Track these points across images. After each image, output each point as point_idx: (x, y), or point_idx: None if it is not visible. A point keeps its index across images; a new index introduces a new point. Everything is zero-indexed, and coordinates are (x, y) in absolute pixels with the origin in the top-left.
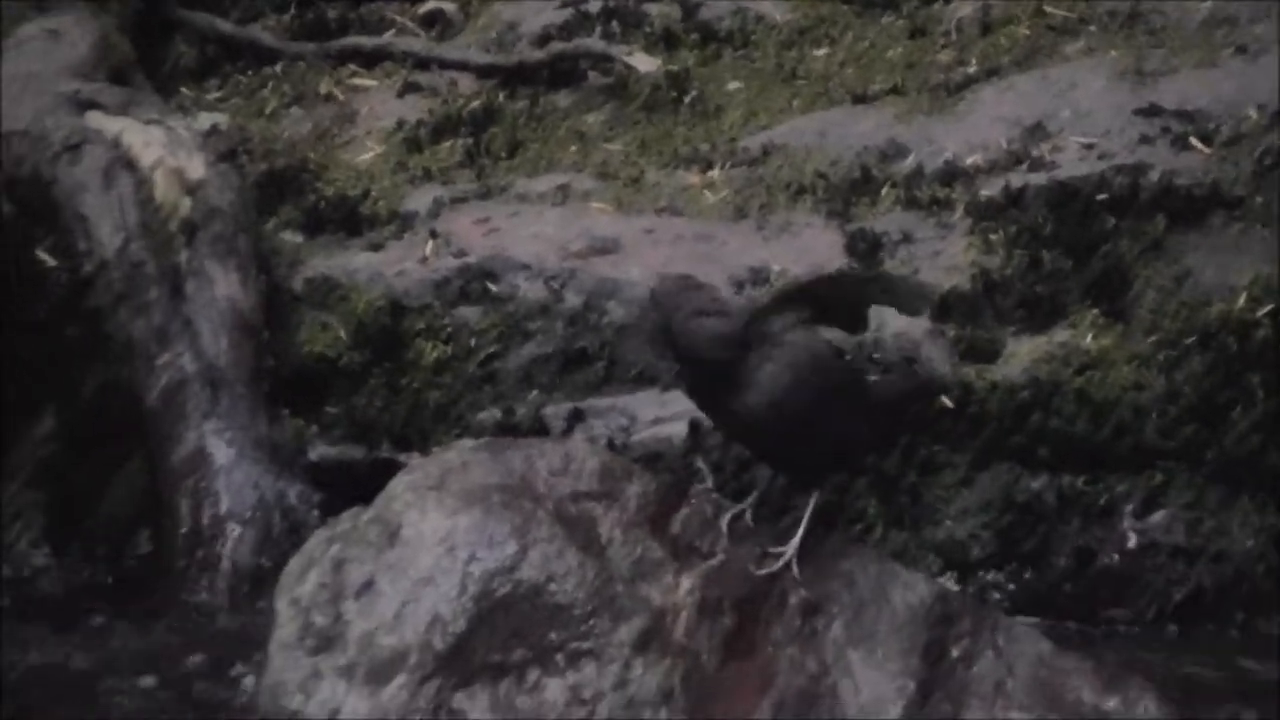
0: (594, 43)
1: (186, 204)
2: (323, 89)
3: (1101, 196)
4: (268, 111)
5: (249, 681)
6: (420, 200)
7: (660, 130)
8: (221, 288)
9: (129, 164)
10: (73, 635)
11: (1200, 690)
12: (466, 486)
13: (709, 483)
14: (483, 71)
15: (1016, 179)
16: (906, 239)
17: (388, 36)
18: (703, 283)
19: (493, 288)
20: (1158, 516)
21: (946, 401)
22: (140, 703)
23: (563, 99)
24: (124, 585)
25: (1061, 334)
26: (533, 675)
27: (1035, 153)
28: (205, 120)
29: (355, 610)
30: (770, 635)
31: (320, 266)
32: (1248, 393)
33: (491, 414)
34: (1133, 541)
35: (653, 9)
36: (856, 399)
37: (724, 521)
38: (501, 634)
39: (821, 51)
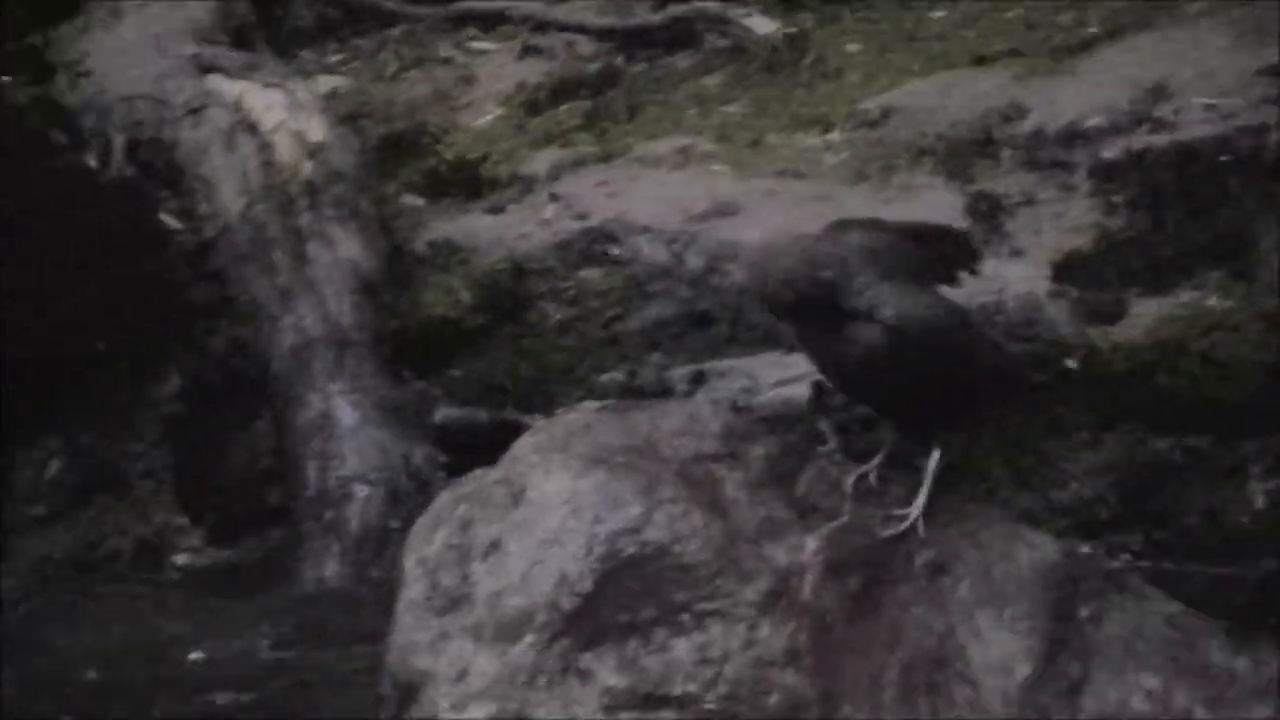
0: (712, 5)
1: (308, 167)
2: (442, 52)
3: (1224, 157)
4: (387, 75)
5: None
6: (540, 163)
7: (779, 92)
8: (344, 250)
9: (250, 127)
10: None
11: None
12: (591, 448)
13: (833, 444)
14: (601, 34)
15: (1139, 140)
16: (1028, 201)
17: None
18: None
19: (614, 250)
20: None
21: (1071, 363)
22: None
23: (681, 61)
24: (252, 546)
25: (1186, 295)
26: (660, 635)
27: (1157, 113)
28: (325, 83)
29: (483, 570)
30: (897, 595)
31: (442, 229)
32: None
33: (614, 376)
34: (1260, 501)
35: None
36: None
37: (849, 482)
38: (628, 594)
39: (941, 13)
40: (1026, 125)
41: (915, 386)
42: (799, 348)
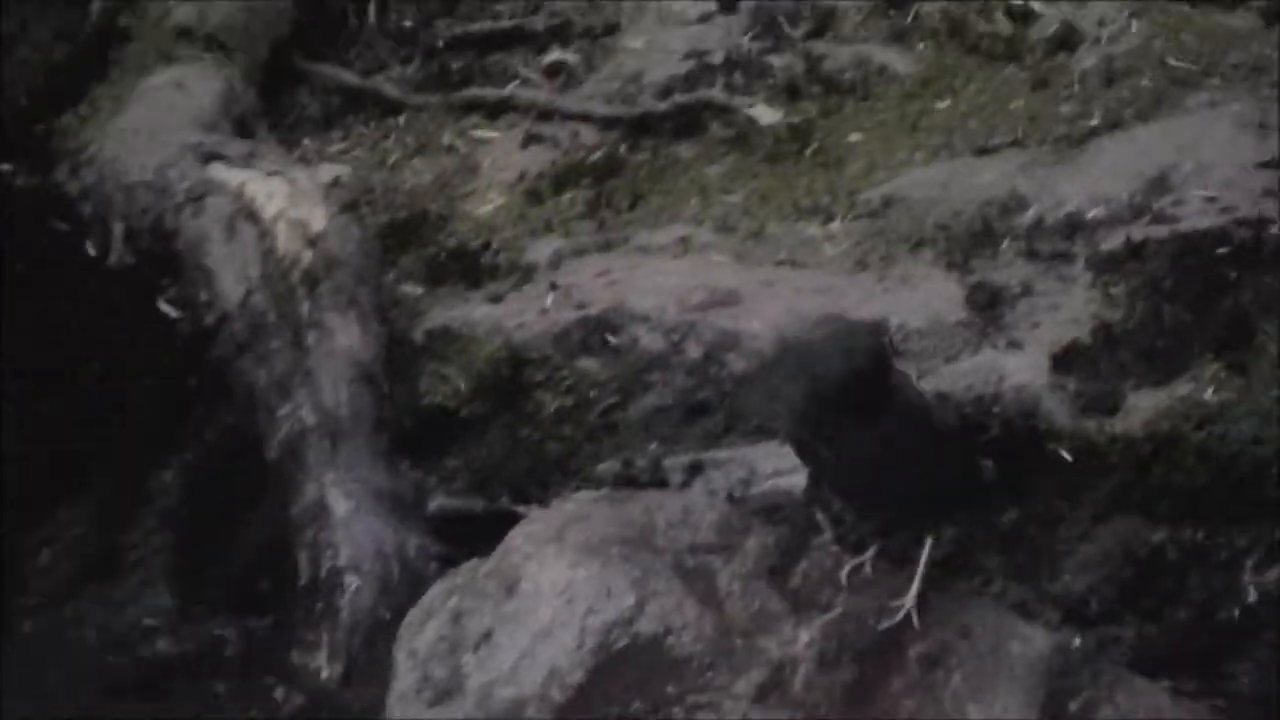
0: (717, 94)
1: (308, 255)
2: (445, 140)
3: (1223, 250)
4: (390, 163)
5: None
6: (541, 251)
7: (781, 182)
8: (342, 339)
9: (251, 215)
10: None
11: None
12: (585, 538)
13: (828, 535)
14: (605, 123)
15: (1138, 232)
16: (1026, 291)
17: (511, 88)
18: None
19: (612, 339)
20: (1278, 570)
21: (1065, 455)
22: None
23: (685, 150)
24: (247, 639)
25: (1183, 387)
26: None
27: (1157, 205)
28: (327, 172)
29: (474, 662)
30: (890, 687)
31: (441, 317)
32: None
33: (611, 466)
34: (1253, 596)
35: (776, 60)
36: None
37: (843, 574)
38: (619, 686)
39: (944, 103)
40: (1027, 216)
41: (925, 476)
42: (801, 443)
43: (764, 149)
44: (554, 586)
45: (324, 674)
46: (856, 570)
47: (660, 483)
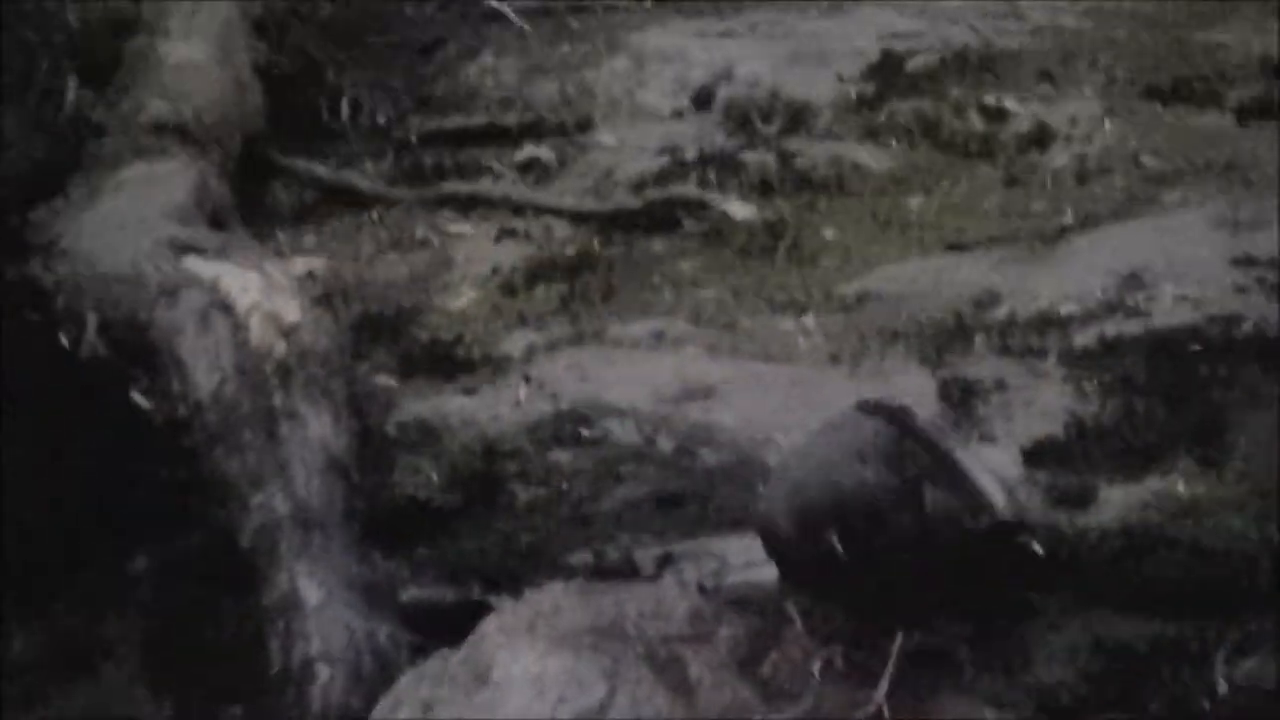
0: (690, 190)
1: (281, 347)
2: (419, 234)
3: (1195, 346)
4: (364, 256)
5: None
6: (514, 345)
7: (755, 277)
8: (315, 429)
9: (225, 307)
10: None
11: None
12: (557, 629)
13: (799, 626)
14: (579, 218)
15: (1111, 327)
16: (999, 386)
17: (484, 183)
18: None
19: (585, 432)
20: (1250, 663)
21: (1037, 548)
22: None
23: (659, 245)
24: None
25: (1156, 481)
26: None
27: (1130, 301)
28: (301, 265)
29: None
30: None
31: (414, 410)
32: None
33: (583, 556)
34: (1224, 688)
35: (749, 157)
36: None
37: (815, 665)
38: None
39: (917, 199)
40: (1000, 311)
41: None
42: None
43: (738, 244)
44: (526, 676)
45: None
46: (829, 662)
47: (632, 573)
